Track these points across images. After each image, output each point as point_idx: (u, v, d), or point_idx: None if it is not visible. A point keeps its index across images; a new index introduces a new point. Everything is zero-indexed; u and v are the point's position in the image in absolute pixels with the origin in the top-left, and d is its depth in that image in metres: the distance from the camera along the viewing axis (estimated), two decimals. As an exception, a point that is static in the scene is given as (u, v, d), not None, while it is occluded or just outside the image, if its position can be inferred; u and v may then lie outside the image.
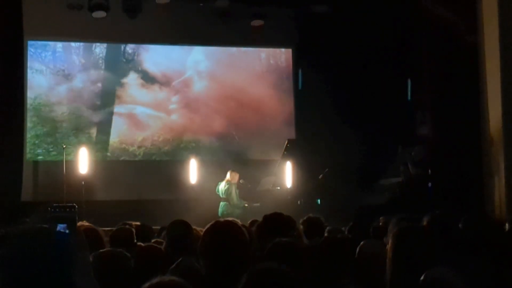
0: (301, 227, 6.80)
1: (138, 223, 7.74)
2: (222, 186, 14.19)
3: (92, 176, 14.36)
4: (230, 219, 4.15)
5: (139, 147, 16.44)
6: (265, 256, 4.15)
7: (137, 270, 4.63)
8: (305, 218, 7.07)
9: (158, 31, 16.02)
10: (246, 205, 14.28)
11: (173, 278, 2.69)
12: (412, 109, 15.78)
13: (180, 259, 4.78)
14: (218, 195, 14.22)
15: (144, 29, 15.91)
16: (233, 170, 14.35)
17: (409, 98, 15.76)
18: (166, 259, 5.02)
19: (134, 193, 15.14)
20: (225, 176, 14.30)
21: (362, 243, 5.37)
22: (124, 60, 16.62)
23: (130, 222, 7.61)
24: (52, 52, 16.15)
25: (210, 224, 3.79)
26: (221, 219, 3.92)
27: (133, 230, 6.28)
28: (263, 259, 4.02)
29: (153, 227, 8.41)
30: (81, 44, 16.34)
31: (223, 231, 3.71)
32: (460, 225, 6.48)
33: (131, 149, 16.41)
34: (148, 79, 16.67)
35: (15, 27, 14.77)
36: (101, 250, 4.47)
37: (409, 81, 15.76)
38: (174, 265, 4.70)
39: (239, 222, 4.12)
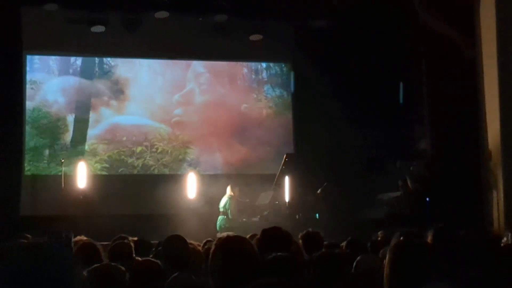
0: (300, 241, 6.79)
1: (135, 238, 7.72)
2: (222, 201, 14.20)
3: (91, 190, 14.33)
4: (231, 233, 4.11)
5: (137, 158, 16.45)
6: (264, 271, 4.13)
7: (134, 284, 4.62)
8: (304, 232, 7.06)
9: (157, 45, 16.07)
10: (244, 219, 14.26)
11: None
12: (410, 124, 15.78)
13: (176, 274, 4.76)
14: (219, 209, 14.22)
15: (143, 44, 15.95)
16: (233, 185, 14.35)
17: (407, 112, 15.76)
18: (163, 274, 5.01)
19: (133, 207, 15.11)
20: (223, 191, 14.30)
21: (358, 258, 5.37)
22: (123, 73, 16.64)
23: (126, 236, 7.58)
24: (51, 64, 16.18)
25: (220, 239, 3.74)
26: (231, 234, 3.88)
27: (132, 244, 6.26)
28: (262, 274, 4.01)
29: (152, 241, 8.38)
30: (80, 57, 16.39)
31: (236, 247, 3.67)
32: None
33: (129, 160, 16.41)
34: (147, 91, 16.70)
35: (14, 41, 14.81)
36: (96, 265, 4.45)
37: (408, 96, 15.78)
38: (170, 279, 4.68)
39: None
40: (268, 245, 4.96)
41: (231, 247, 3.64)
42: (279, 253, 4.32)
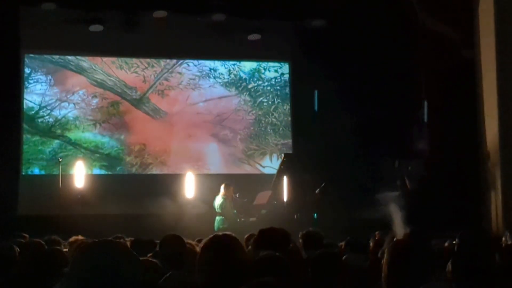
0: (301, 241, 6.80)
1: (132, 238, 7.70)
2: (217, 201, 14.10)
3: (89, 189, 14.30)
4: (227, 232, 4.10)
5: (135, 157, 16.41)
6: (256, 270, 4.11)
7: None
8: (304, 232, 7.08)
9: (155, 44, 16.05)
10: (242, 219, 14.21)
11: None
12: (409, 124, 15.76)
13: (170, 272, 4.75)
14: (214, 210, 14.15)
15: (141, 43, 15.93)
16: (226, 184, 14.23)
17: (406, 112, 15.74)
18: (161, 273, 5.00)
19: (130, 207, 15.08)
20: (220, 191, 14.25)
21: (344, 256, 5.35)
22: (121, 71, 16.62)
23: (122, 235, 7.56)
24: (48, 64, 16.14)
25: (208, 238, 3.75)
26: (220, 233, 3.88)
27: (128, 244, 6.25)
28: (254, 273, 3.99)
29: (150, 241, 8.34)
30: (79, 56, 16.36)
31: (222, 245, 3.66)
32: (456, 240, 6.47)
33: (127, 159, 16.38)
34: (146, 89, 16.69)
35: (12, 40, 14.80)
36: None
37: (406, 95, 15.76)
38: (164, 278, 4.67)
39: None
40: (265, 244, 4.95)
41: (217, 247, 3.64)
42: (271, 253, 4.31)
